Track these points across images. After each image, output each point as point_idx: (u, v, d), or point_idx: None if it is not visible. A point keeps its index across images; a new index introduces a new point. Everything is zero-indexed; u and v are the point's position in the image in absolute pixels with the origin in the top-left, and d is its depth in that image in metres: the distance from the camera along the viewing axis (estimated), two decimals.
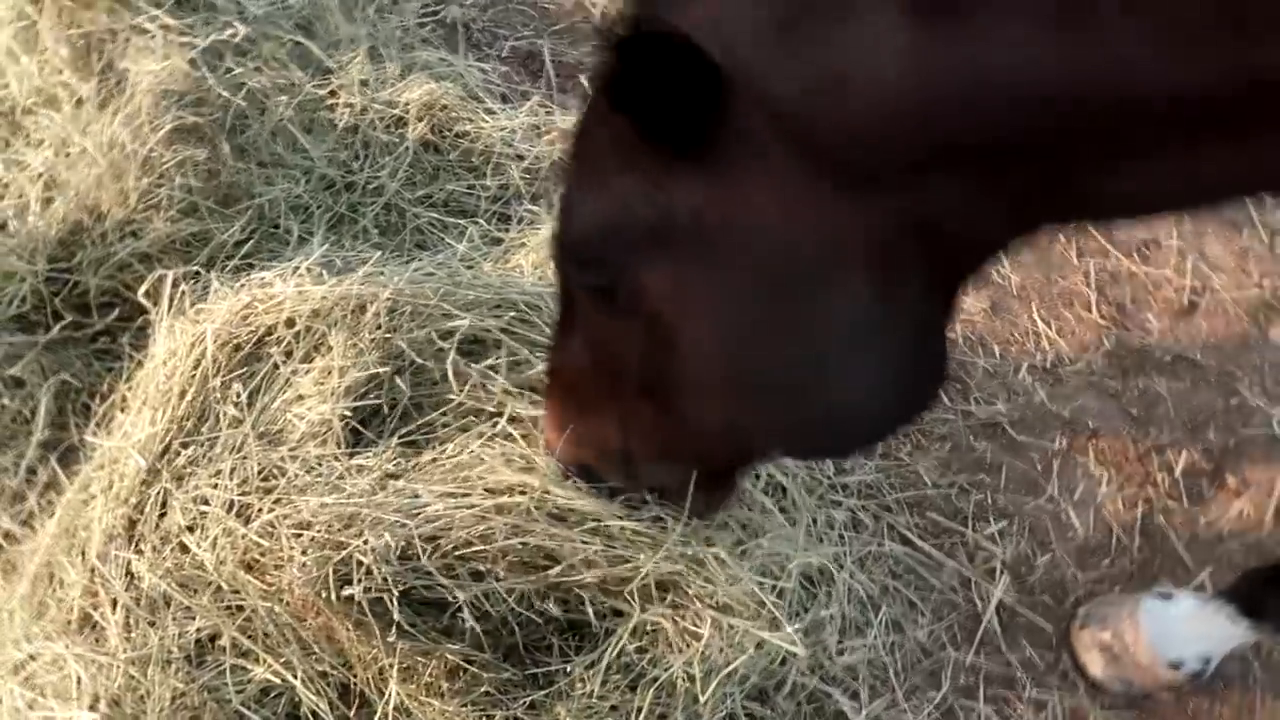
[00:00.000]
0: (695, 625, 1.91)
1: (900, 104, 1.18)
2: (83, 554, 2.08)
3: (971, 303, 3.09)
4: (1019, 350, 3.04)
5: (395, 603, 1.90)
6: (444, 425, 2.19)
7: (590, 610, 1.99)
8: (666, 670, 1.95)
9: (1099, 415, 2.93)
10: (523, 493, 1.99)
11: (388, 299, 2.27)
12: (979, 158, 1.23)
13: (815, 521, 2.57)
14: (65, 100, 2.86)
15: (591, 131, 1.42)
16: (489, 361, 2.21)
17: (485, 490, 2.00)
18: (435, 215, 3.01)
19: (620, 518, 1.95)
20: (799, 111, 1.22)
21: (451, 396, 2.16)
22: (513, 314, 2.33)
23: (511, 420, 2.11)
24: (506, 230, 2.98)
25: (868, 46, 1.17)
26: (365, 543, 1.90)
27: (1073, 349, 3.06)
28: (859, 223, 1.27)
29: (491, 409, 2.13)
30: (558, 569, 1.95)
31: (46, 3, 3.07)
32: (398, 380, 2.17)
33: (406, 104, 3.19)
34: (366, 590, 1.89)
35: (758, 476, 2.51)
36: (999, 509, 2.73)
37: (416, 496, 1.98)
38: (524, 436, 2.09)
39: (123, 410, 2.28)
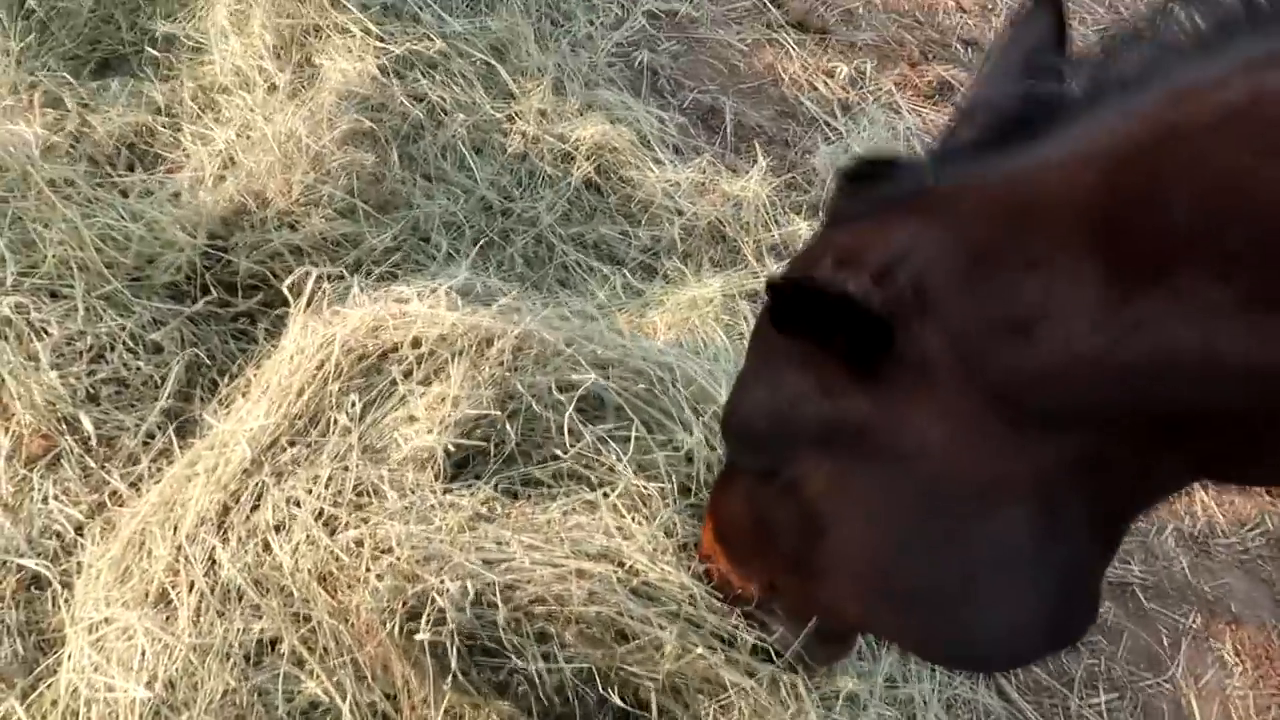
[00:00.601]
0: None
1: (1085, 358, 1.14)
2: (175, 530, 2.11)
3: None
4: (1167, 511, 2.80)
5: (457, 651, 1.87)
6: (545, 482, 2.15)
7: (645, 699, 1.90)
8: None
9: (1245, 600, 2.67)
10: (610, 560, 1.93)
11: (515, 337, 2.25)
12: (1162, 419, 1.17)
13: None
14: (260, 85, 2.97)
15: (775, 330, 1.44)
16: (606, 426, 2.15)
17: (572, 551, 1.95)
18: (582, 256, 3.00)
19: (706, 608, 1.88)
20: (978, 348, 1.21)
21: (559, 453, 2.12)
22: (642, 385, 2.26)
23: (616, 493, 2.05)
24: (649, 283, 2.94)
25: (1057, 296, 1.14)
26: (442, 582, 1.88)
27: (1227, 521, 2.80)
28: (1025, 459, 1.25)
29: (596, 477, 2.08)
30: (626, 648, 1.88)
31: None
32: (507, 425, 2.13)
33: (577, 140, 3.20)
34: (433, 630, 1.86)
35: None
36: (1112, 679, 2.51)
37: (502, 543, 1.95)
38: (629, 509, 2.03)
39: (244, 395, 2.32)
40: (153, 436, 2.38)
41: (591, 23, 3.75)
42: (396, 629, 1.87)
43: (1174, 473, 1.28)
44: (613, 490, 2.03)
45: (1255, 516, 2.82)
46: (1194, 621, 2.63)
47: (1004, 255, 1.18)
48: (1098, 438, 1.22)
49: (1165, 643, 2.59)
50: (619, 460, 2.09)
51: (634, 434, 2.12)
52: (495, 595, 1.87)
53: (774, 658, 1.80)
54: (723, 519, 1.73)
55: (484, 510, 2.04)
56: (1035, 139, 1.18)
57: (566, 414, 2.15)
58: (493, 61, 3.38)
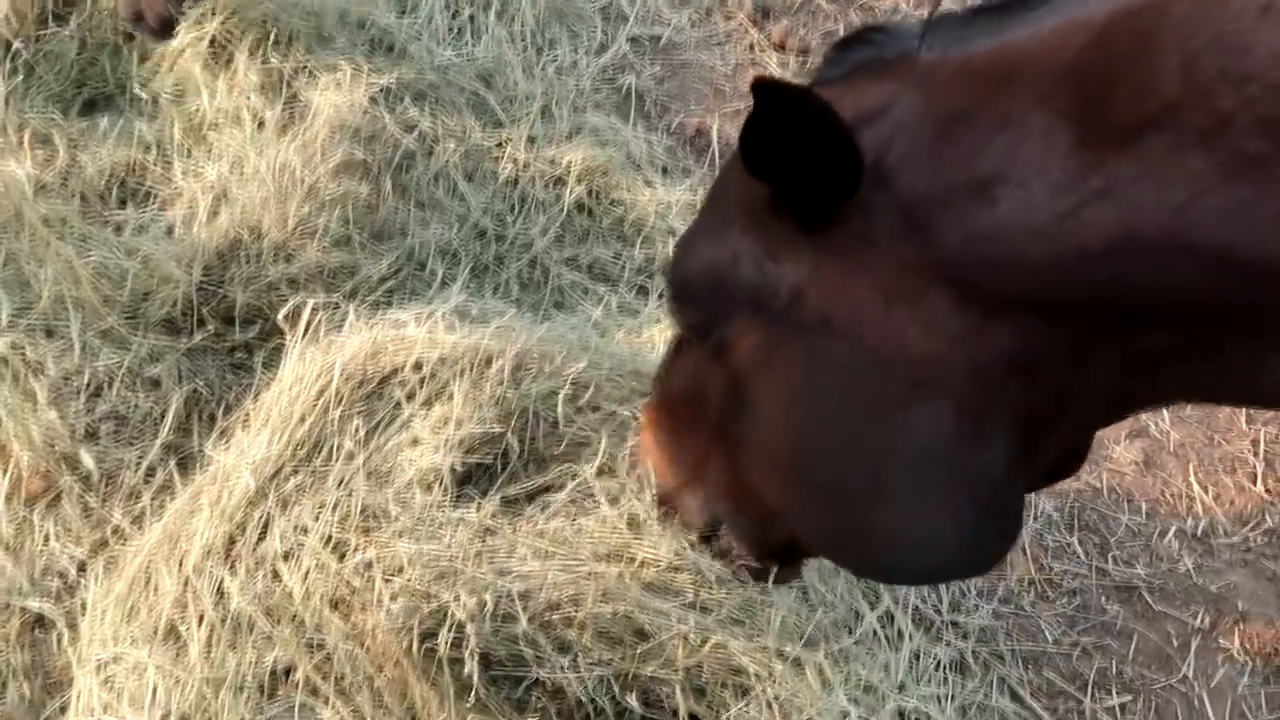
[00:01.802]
0: None
1: (1043, 225, 1.08)
2: (180, 563, 2.09)
3: (1122, 453, 2.88)
4: (1168, 512, 2.81)
5: (476, 666, 1.86)
6: (550, 488, 2.16)
7: (668, 707, 1.90)
8: None
9: (1251, 597, 2.68)
10: (621, 558, 1.94)
11: (514, 355, 2.26)
12: (1116, 307, 1.11)
13: (919, 657, 2.42)
14: (249, 121, 2.98)
15: (732, 180, 1.39)
16: (603, 410, 2.17)
17: (581, 554, 1.96)
18: (577, 277, 3.01)
19: (719, 587, 1.89)
20: (932, 217, 1.15)
21: (560, 457, 2.13)
22: (635, 384, 2.28)
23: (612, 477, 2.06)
24: (645, 303, 2.95)
25: (1022, 156, 1.08)
26: (457, 598, 1.87)
27: (1229, 520, 2.81)
28: (965, 349, 1.19)
29: (598, 480, 2.09)
30: (645, 646, 1.88)
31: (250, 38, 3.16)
32: (511, 438, 2.14)
33: (568, 164, 3.21)
34: (453, 646, 1.85)
35: (871, 604, 2.38)
36: (1124, 681, 2.51)
37: (513, 553, 1.95)
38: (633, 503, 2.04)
39: (244, 427, 2.31)
40: (154, 472, 2.37)
41: (576, 49, 3.78)
42: (415, 648, 1.86)
43: (1114, 382, 1.20)
44: (617, 489, 2.04)
45: (1256, 513, 2.83)
46: (1202, 621, 2.64)
47: (975, 118, 1.12)
48: (1043, 328, 1.15)
49: (1175, 643, 2.59)
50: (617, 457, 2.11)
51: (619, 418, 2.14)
52: (514, 605, 1.87)
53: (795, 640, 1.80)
54: (662, 385, 1.65)
55: (492, 524, 2.04)
56: (1032, 9, 1.13)
57: (559, 404, 2.17)
58: (480, 90, 3.40)
